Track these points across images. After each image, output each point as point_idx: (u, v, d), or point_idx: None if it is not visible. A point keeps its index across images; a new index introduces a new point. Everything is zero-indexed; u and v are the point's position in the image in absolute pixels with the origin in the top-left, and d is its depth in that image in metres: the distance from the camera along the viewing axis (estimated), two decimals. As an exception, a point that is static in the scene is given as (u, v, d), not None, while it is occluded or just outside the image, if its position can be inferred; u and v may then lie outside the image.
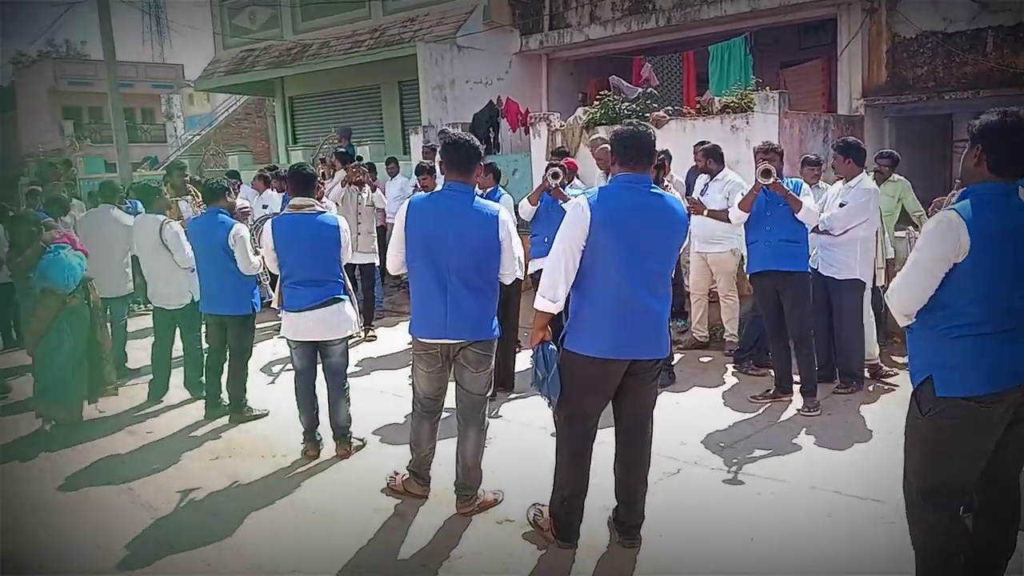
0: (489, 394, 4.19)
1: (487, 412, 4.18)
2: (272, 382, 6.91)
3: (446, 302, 3.89)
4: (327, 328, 4.91)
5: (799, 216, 5.42)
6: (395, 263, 4.12)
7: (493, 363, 4.13)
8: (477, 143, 4.03)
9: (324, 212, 5.08)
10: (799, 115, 9.03)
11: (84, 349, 5.88)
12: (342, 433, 5.03)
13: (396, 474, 4.45)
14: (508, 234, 3.96)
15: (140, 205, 7.21)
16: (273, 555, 3.84)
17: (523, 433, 5.25)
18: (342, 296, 4.95)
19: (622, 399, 3.65)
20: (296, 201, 4.97)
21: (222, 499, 4.51)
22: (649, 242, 3.45)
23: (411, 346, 4.20)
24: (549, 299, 3.53)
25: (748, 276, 5.93)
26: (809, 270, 5.69)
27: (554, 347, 3.64)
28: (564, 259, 3.47)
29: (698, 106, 9.25)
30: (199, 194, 8.47)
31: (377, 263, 8.47)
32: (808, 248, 5.69)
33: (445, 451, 4.24)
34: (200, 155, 24.29)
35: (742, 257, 7.23)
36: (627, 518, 3.71)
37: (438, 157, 4.92)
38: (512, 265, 4.03)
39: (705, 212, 6.42)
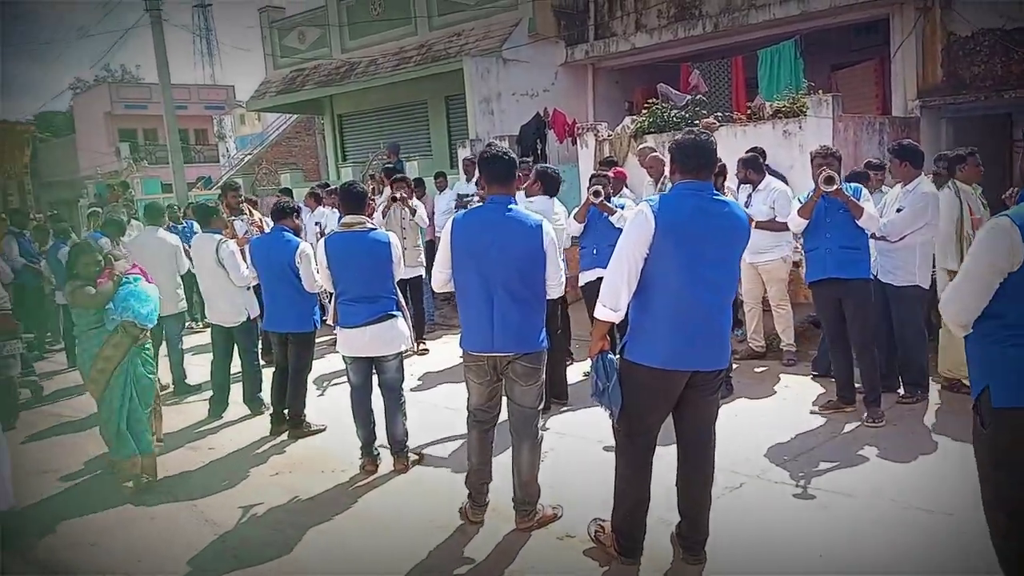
0: (541, 407, 4.16)
1: (540, 425, 4.16)
2: (321, 394, 6.98)
3: (492, 315, 3.90)
4: (381, 344, 4.95)
5: (860, 222, 5.29)
6: (440, 280, 4.13)
7: (543, 376, 4.09)
8: (513, 155, 4.07)
9: (375, 229, 5.13)
10: (853, 118, 8.86)
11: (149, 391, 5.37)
12: (399, 448, 5.05)
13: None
14: (552, 243, 3.95)
15: (195, 225, 7.36)
16: (334, 569, 3.86)
17: (580, 446, 5.21)
18: (395, 312, 4.99)
19: (683, 412, 3.58)
20: (347, 219, 5.03)
21: (283, 514, 4.56)
22: (713, 250, 3.40)
23: (462, 359, 4.21)
24: (611, 308, 3.47)
25: (807, 284, 5.81)
26: (871, 277, 5.55)
27: (613, 357, 3.59)
28: (627, 266, 3.41)
29: (749, 112, 9.13)
30: (252, 212, 8.64)
31: (425, 276, 8.53)
32: (869, 255, 5.55)
33: (505, 465, 4.22)
34: (252, 174, 24.79)
35: (794, 264, 7.13)
36: (691, 533, 3.64)
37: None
38: (558, 275, 4.01)
39: (753, 224, 6.26)
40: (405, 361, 5.27)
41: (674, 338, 3.40)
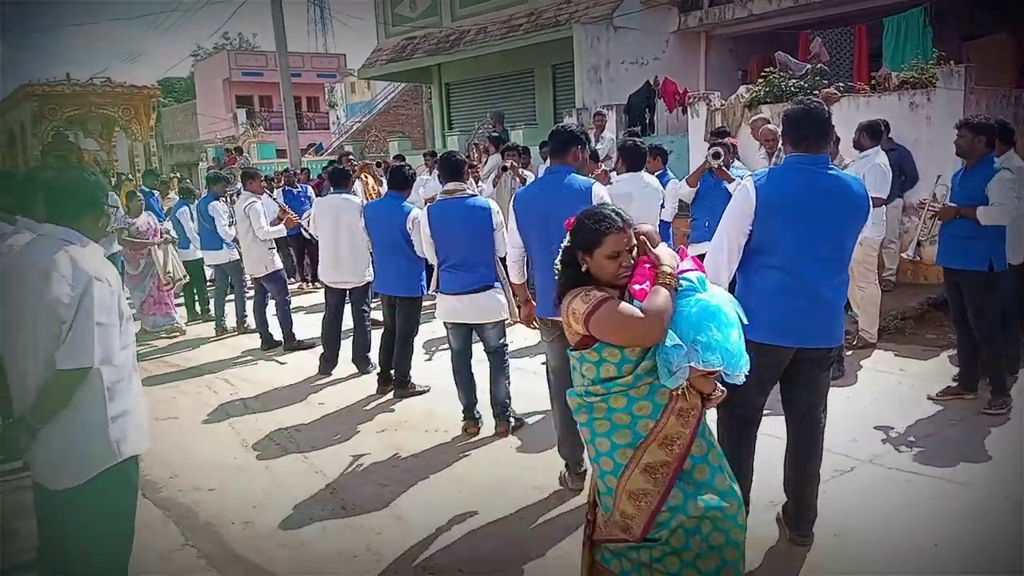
0: None
1: None
2: (429, 358, 7.12)
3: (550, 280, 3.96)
4: (478, 312, 5.02)
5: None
6: (505, 251, 4.45)
7: None
8: (572, 129, 4.23)
9: (475, 196, 5.16)
10: (986, 90, 8.32)
11: None
12: (501, 411, 5.12)
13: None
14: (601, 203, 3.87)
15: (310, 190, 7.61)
16: (434, 526, 3.95)
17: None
18: (493, 284, 5.02)
19: (792, 390, 3.50)
20: (448, 186, 5.09)
21: (388, 469, 4.71)
22: (822, 227, 3.27)
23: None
24: (712, 281, 3.42)
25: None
26: (986, 268, 5.13)
27: None
28: (728, 242, 3.38)
29: (873, 82, 8.70)
30: (369, 179, 8.86)
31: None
32: (986, 243, 5.14)
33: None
34: (361, 141, 25.34)
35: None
36: (797, 513, 3.56)
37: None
38: None
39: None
40: (509, 328, 5.31)
41: (778, 314, 3.32)
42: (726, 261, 3.39)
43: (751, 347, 3.38)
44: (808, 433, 3.53)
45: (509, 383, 5.17)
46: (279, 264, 7.93)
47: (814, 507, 3.55)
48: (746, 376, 3.40)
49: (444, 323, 5.21)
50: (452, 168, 5.15)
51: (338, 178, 6.96)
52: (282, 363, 7.39)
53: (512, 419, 5.18)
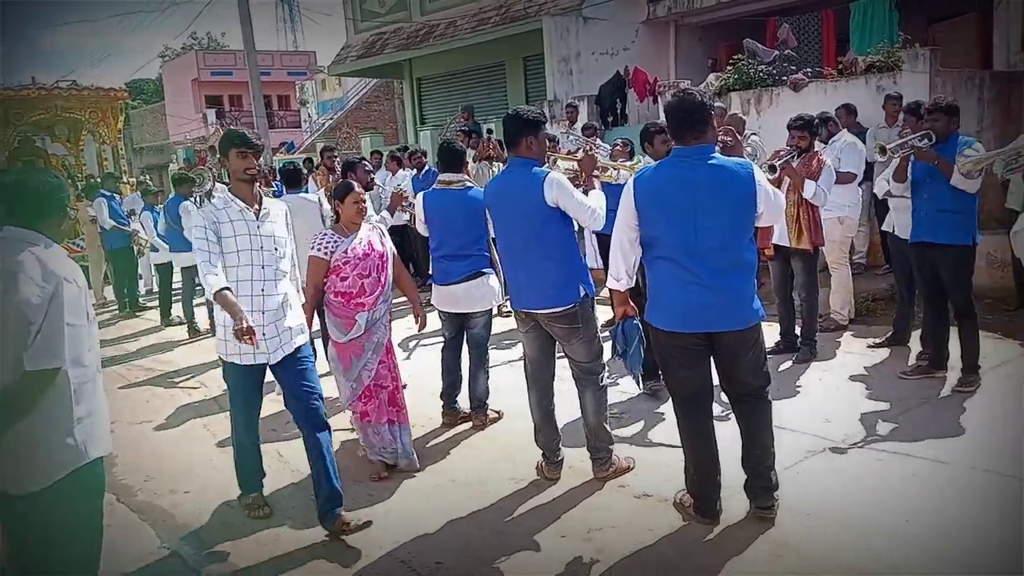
0: (601, 361, 4.13)
1: (602, 377, 4.14)
2: (407, 357, 7.09)
3: (520, 276, 4.07)
4: (472, 301, 5.04)
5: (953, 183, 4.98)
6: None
7: (590, 331, 4.04)
8: (523, 115, 3.97)
9: (472, 187, 5.15)
10: (952, 73, 8.42)
11: None
12: (479, 404, 5.14)
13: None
14: (559, 195, 3.86)
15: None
16: (413, 519, 3.94)
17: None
18: (486, 270, 5.05)
19: (721, 372, 3.62)
20: (444, 177, 5.09)
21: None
22: (704, 217, 3.34)
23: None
24: (614, 277, 3.65)
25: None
26: (969, 240, 5.17)
27: (637, 322, 3.74)
28: (620, 237, 3.56)
29: (840, 66, 8.77)
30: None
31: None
32: (968, 216, 5.18)
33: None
34: (333, 139, 25.17)
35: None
36: (752, 484, 3.64)
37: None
38: (584, 215, 3.92)
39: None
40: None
41: (677, 302, 3.46)
42: (621, 254, 3.59)
43: (656, 334, 3.56)
44: (748, 411, 3.63)
45: (488, 376, 5.19)
46: None
47: (767, 477, 3.61)
48: (659, 360, 3.62)
49: (439, 313, 5.23)
50: (451, 157, 5.15)
51: (291, 178, 6.89)
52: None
53: (490, 411, 5.19)
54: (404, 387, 5.93)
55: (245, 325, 3.43)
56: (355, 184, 4.65)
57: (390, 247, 4.66)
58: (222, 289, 3.58)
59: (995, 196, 6.86)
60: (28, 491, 2.47)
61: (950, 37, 11.06)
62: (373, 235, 4.57)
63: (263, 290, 3.79)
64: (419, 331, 4.96)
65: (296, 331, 3.93)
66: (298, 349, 3.92)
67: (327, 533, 3.80)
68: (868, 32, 10.53)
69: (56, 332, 2.42)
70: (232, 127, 4.21)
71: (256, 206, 3.79)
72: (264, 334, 3.75)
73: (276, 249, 3.82)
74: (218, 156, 15.54)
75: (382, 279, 4.50)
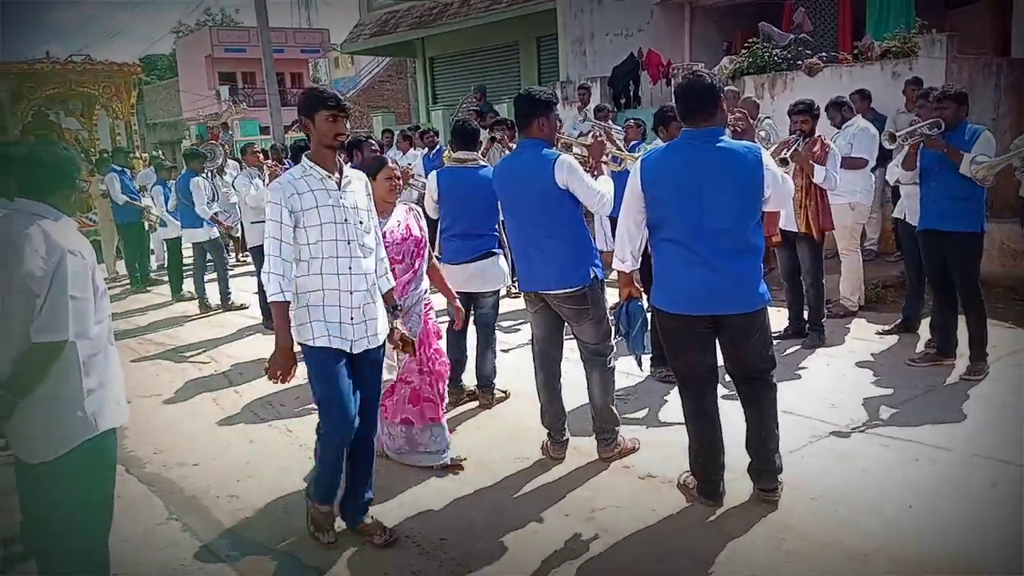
0: (609, 342, 4.14)
1: (610, 358, 4.15)
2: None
3: (529, 257, 4.07)
4: (481, 281, 5.04)
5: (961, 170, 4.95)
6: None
7: (599, 313, 4.04)
8: (535, 95, 3.96)
9: (486, 167, 5.14)
10: (968, 59, 8.33)
11: None
12: (486, 383, 5.16)
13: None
14: (569, 177, 3.85)
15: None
16: (417, 496, 3.99)
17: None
18: (496, 250, 5.05)
19: (725, 355, 3.64)
20: (459, 155, 5.08)
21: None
22: (710, 199, 3.35)
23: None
24: (619, 259, 3.68)
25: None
26: (979, 228, 5.14)
27: (641, 304, 3.77)
28: (626, 220, 3.59)
29: (855, 51, 8.70)
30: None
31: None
32: (978, 204, 5.15)
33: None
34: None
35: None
36: (756, 466, 3.66)
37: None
38: (593, 199, 3.90)
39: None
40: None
41: (682, 284, 3.47)
42: (627, 236, 3.62)
43: (662, 316, 3.56)
44: (753, 394, 3.64)
45: (495, 356, 5.21)
46: None
47: (771, 460, 3.63)
48: (664, 342, 3.63)
49: None
50: (465, 136, 5.15)
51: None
52: (269, 335, 7.37)
53: (497, 391, 5.21)
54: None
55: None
56: (388, 159, 4.31)
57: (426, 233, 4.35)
58: (280, 301, 3.23)
59: (1009, 186, 6.81)
60: (40, 460, 2.52)
61: (968, 24, 10.92)
62: (410, 218, 4.24)
63: (350, 268, 3.31)
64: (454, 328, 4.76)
65: (382, 322, 3.50)
66: (380, 346, 3.52)
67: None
68: (885, 17, 10.40)
69: (60, 305, 2.44)
70: (312, 89, 3.64)
71: (337, 175, 3.35)
72: (352, 318, 3.33)
73: (361, 222, 3.37)
74: (230, 132, 15.54)
75: (416, 265, 4.20)
